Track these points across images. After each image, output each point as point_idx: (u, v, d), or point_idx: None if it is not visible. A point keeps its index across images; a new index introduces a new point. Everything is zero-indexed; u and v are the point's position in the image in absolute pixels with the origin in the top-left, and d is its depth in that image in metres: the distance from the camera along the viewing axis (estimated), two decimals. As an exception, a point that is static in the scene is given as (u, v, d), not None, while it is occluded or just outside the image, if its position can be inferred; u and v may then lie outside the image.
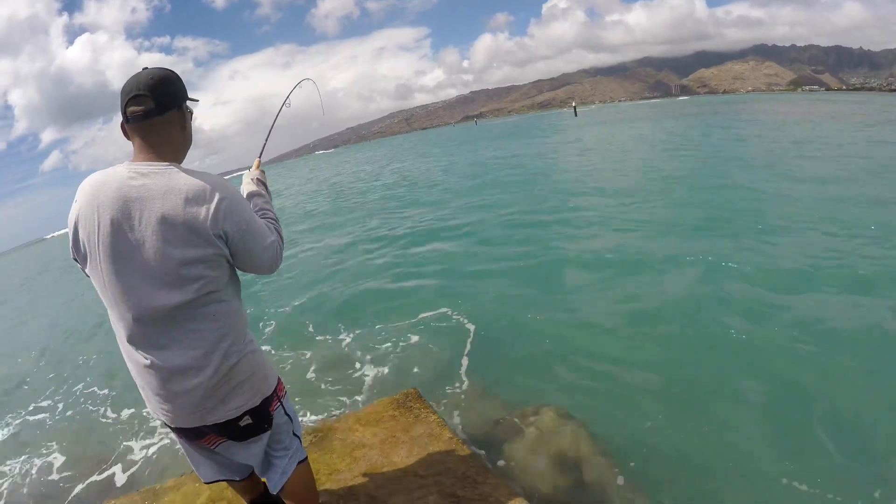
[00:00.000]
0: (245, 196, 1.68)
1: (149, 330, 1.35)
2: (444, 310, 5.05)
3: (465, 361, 3.86)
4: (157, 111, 1.33)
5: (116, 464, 3.55)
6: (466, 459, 2.40)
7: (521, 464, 2.67)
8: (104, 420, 4.29)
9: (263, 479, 1.83)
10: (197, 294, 1.34)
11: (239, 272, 1.52)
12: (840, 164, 10.07)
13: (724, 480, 2.50)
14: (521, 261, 6.39)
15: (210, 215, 1.30)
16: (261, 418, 1.55)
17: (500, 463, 2.68)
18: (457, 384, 3.52)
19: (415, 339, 4.47)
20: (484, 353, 3.97)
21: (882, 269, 4.51)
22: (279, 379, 1.68)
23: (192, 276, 1.33)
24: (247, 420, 1.51)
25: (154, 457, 3.53)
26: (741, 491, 2.43)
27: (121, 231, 1.28)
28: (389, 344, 4.42)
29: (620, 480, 2.55)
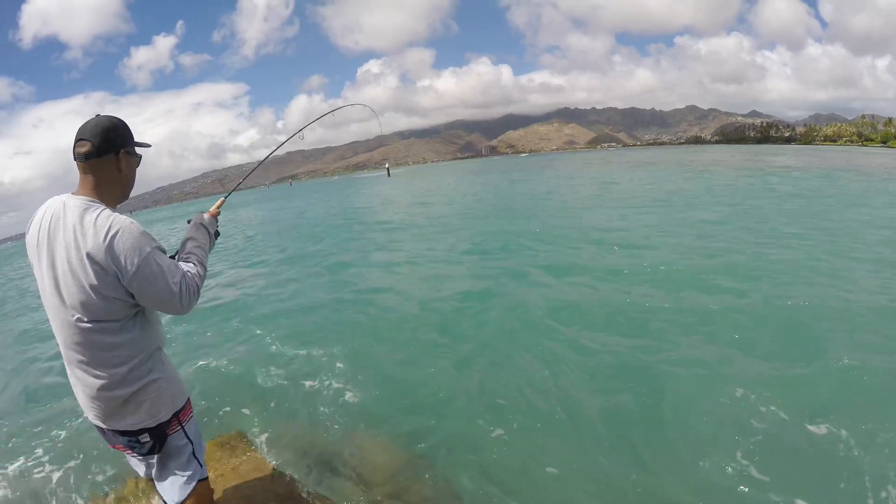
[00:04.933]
0: (184, 238, 1.89)
1: (71, 343, 1.60)
2: (256, 349, 5.37)
3: (284, 397, 4.14)
4: (94, 154, 1.58)
5: None
6: (290, 484, 2.79)
7: (342, 481, 2.99)
8: None
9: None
10: (96, 319, 1.56)
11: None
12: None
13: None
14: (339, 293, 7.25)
15: (103, 252, 1.50)
16: (158, 439, 1.77)
17: (323, 483, 3.00)
18: (278, 420, 3.75)
19: (234, 377, 4.64)
20: (297, 386, 4.33)
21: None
22: (187, 403, 1.88)
23: (90, 304, 1.54)
24: (146, 438, 1.75)
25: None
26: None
27: (48, 250, 1.56)
28: (215, 387, 4.51)
29: (438, 488, 2.89)
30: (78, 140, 1.60)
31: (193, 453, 1.90)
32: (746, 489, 2.65)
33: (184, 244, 1.87)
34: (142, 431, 1.73)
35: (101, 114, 1.67)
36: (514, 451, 3.18)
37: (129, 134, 1.69)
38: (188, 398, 1.91)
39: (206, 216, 2.03)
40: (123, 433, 1.74)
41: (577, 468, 2.98)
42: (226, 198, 2.35)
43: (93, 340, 1.59)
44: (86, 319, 1.57)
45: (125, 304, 1.60)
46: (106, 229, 1.52)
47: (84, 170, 1.61)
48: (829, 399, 3.40)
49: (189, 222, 2.02)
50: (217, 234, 2.08)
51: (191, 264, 1.76)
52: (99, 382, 1.63)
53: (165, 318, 1.97)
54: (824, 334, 4.43)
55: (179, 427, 1.83)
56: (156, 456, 1.84)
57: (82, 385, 1.66)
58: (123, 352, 1.63)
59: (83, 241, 1.51)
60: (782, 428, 3.13)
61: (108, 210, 1.59)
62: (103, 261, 1.51)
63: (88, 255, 1.51)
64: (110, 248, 1.51)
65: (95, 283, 1.52)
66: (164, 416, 1.76)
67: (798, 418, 3.19)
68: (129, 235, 1.54)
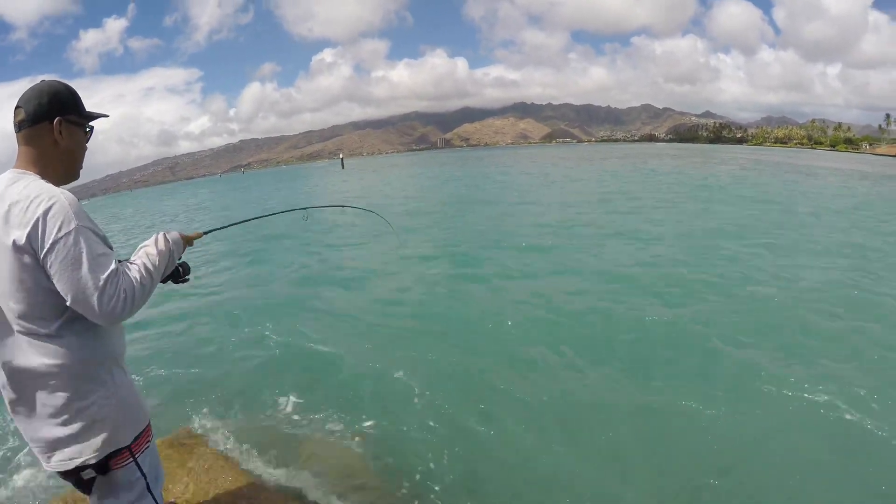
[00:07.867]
0: (139, 247, 1.56)
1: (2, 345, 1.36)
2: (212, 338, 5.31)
3: (231, 390, 4.07)
4: (27, 122, 1.36)
5: None
6: (241, 479, 2.78)
7: (295, 476, 2.98)
8: None
9: None
10: (22, 319, 1.31)
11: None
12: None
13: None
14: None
15: (22, 223, 1.25)
16: (100, 472, 1.48)
17: (274, 478, 2.97)
18: (232, 413, 3.68)
19: (183, 372, 4.50)
20: (251, 379, 4.29)
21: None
22: (146, 430, 1.57)
23: (12, 295, 1.30)
24: (89, 474, 1.47)
25: None
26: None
27: None
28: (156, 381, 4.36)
29: (398, 484, 2.92)
30: (15, 108, 1.39)
31: (148, 488, 1.57)
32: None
33: (136, 251, 1.54)
34: (83, 468, 1.44)
35: (46, 79, 1.43)
36: (476, 448, 3.29)
37: (73, 100, 1.43)
38: (147, 424, 1.58)
39: (174, 233, 1.65)
40: (62, 473, 1.46)
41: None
42: (206, 233, 2.00)
43: (21, 349, 1.34)
44: (13, 318, 1.33)
45: (55, 299, 1.31)
46: (30, 198, 1.27)
47: (20, 141, 1.38)
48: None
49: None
50: (186, 268, 1.76)
51: (134, 266, 1.43)
52: (27, 407, 1.38)
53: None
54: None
55: (131, 459, 1.50)
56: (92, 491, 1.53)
57: (13, 410, 1.41)
58: (55, 366, 1.34)
59: (4, 216, 1.27)
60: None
61: (40, 180, 1.34)
62: (20, 235, 1.25)
63: (9, 232, 1.27)
64: (29, 218, 1.25)
65: (15, 265, 1.28)
66: (109, 448, 1.45)
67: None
68: (56, 205, 1.27)
